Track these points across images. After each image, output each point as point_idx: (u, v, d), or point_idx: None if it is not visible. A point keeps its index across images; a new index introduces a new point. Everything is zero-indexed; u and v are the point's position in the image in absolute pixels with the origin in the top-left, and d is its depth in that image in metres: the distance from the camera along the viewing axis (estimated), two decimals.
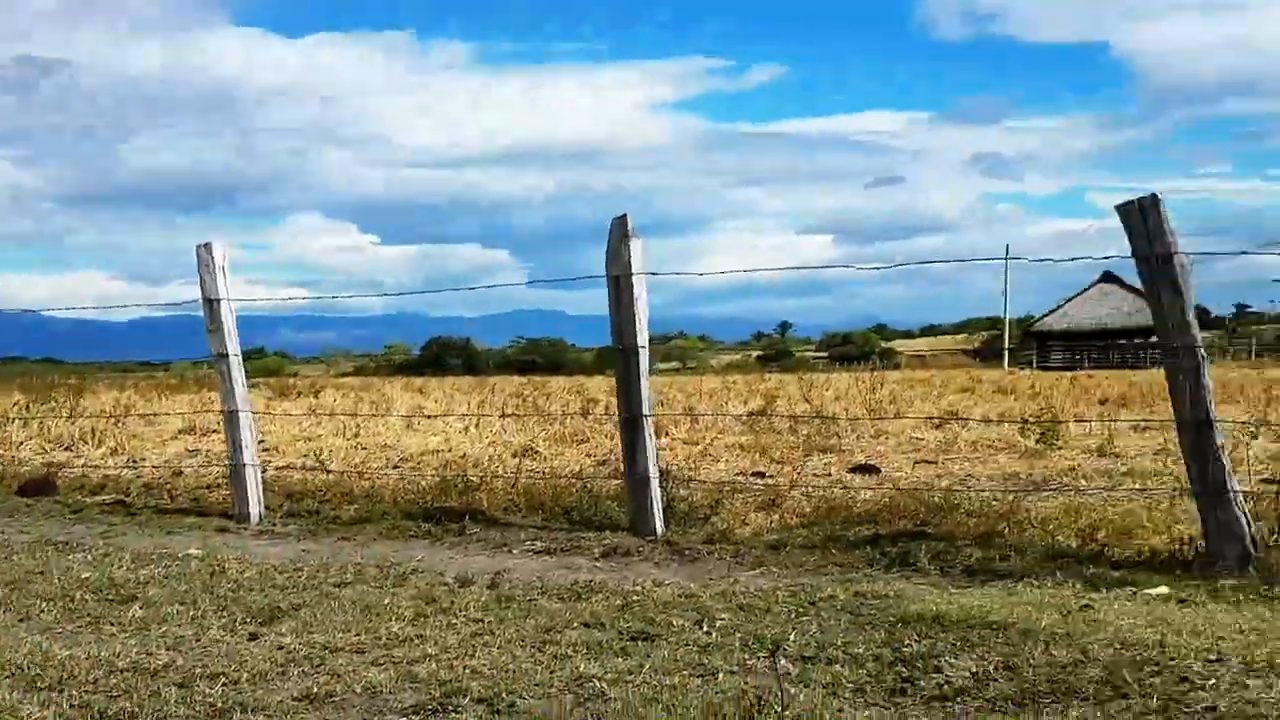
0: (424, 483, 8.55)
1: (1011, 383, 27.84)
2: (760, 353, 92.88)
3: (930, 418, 14.20)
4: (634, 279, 6.61)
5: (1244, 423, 11.36)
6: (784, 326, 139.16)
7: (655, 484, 6.77)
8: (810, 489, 8.05)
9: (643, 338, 6.74)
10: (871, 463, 10.34)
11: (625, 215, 6.61)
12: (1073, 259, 7.04)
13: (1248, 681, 3.62)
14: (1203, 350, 5.36)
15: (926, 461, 10.63)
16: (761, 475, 9.50)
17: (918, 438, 12.77)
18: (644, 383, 6.76)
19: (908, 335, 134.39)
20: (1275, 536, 5.72)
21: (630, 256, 6.58)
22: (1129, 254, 5.50)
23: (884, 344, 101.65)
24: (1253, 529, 5.48)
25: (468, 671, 4.08)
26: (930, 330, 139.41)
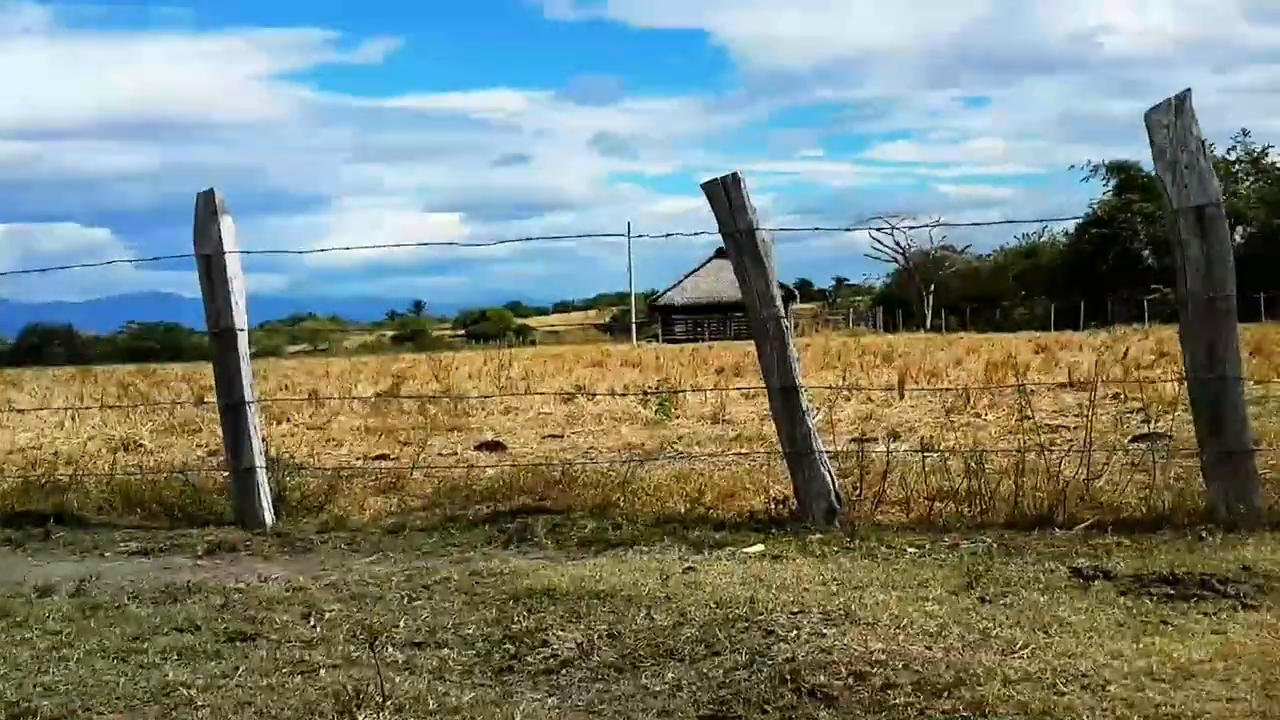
0: (4, 485, 7.72)
1: (638, 355, 28.94)
2: (395, 333, 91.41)
3: (557, 393, 14.43)
4: (226, 258, 6.22)
5: (835, 388, 12.35)
6: (418, 305, 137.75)
7: (262, 473, 6.43)
8: (433, 469, 7.96)
9: (240, 319, 6.37)
10: (499, 439, 10.40)
11: (211, 190, 6.20)
12: (666, 235, 7.31)
13: (824, 630, 3.88)
14: (786, 321, 5.72)
15: (554, 436, 10.81)
16: (385, 458, 9.32)
17: (546, 412, 12.99)
18: (245, 367, 6.41)
19: (542, 312, 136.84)
20: (859, 492, 6.21)
21: (220, 234, 6.19)
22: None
23: (520, 321, 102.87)
24: (837, 486, 5.92)
25: (39, 689, 3.69)
26: (564, 306, 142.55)
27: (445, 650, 3.97)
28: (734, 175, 5.61)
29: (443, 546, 5.83)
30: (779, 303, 5.69)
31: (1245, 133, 57.19)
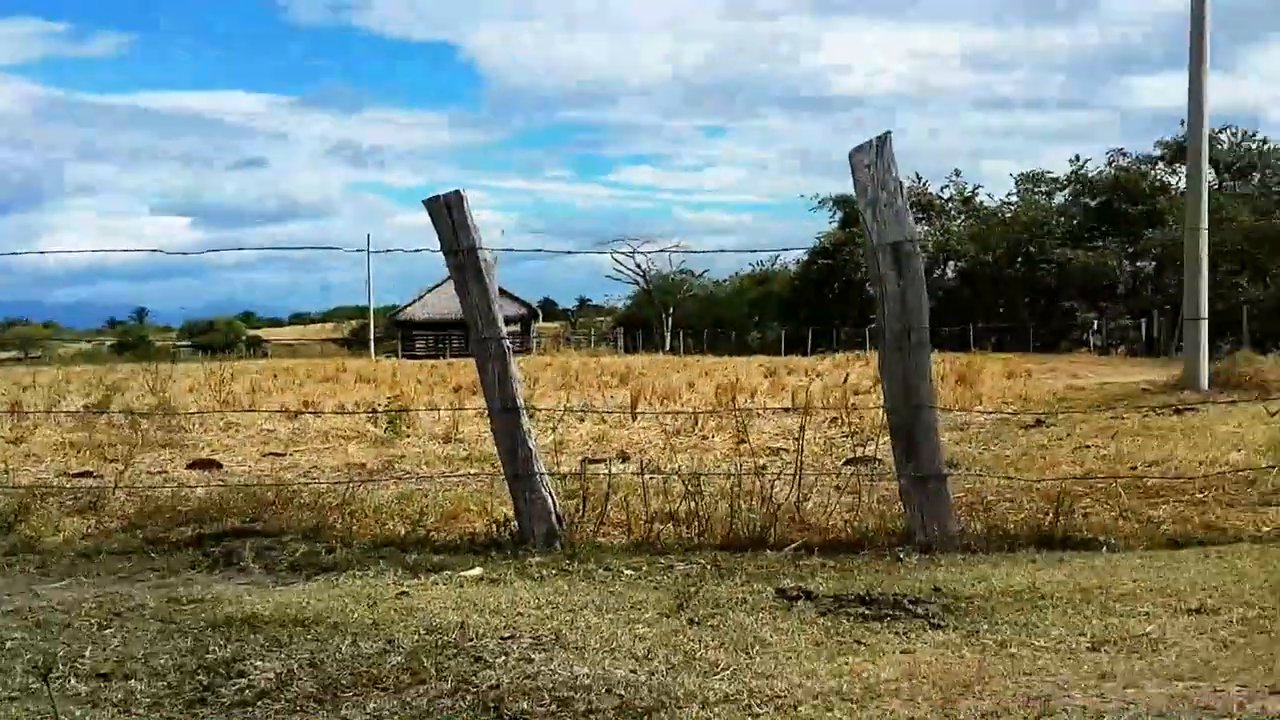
0: None
1: (375, 371, 28.32)
2: (115, 341, 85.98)
3: (281, 410, 13.90)
4: None
5: (567, 409, 12.43)
6: (140, 313, 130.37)
7: None
8: (139, 488, 7.47)
9: None
10: (214, 457, 9.90)
11: None
12: (416, 250, 7.09)
13: (533, 655, 3.85)
14: (507, 341, 5.69)
15: (275, 454, 10.39)
16: (88, 475, 8.69)
17: (270, 429, 12.48)
18: None
19: (276, 323, 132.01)
20: (581, 514, 6.23)
21: None
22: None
23: (251, 332, 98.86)
24: (559, 508, 5.91)
25: None
26: (300, 318, 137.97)
27: (133, 682, 3.71)
28: (457, 193, 5.54)
29: (141, 571, 5.48)
30: (501, 323, 5.65)
31: (957, 173, 61.64)
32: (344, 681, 3.69)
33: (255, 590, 5.01)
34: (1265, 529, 5.98)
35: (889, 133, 5.43)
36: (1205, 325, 16.94)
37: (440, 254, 5.71)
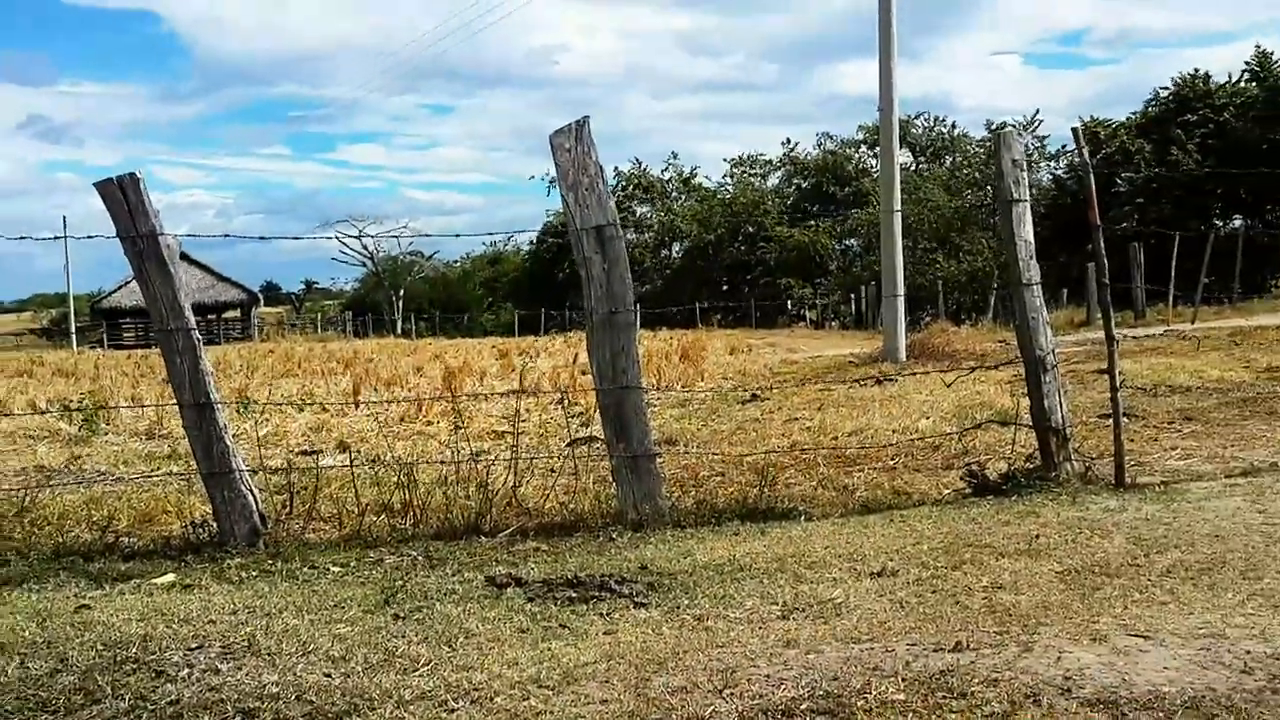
0: None
1: (75, 364, 26.45)
2: None
3: None
4: None
5: (287, 402, 11.94)
6: None
7: None
8: None
9: None
10: None
11: None
12: (87, 236, 6.55)
13: (220, 666, 3.63)
14: (197, 333, 5.37)
15: None
16: None
17: None
18: None
19: None
20: (287, 510, 5.98)
21: None
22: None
23: None
24: (261, 505, 5.65)
25: None
26: None
27: None
28: (132, 175, 5.17)
29: None
30: (188, 313, 5.32)
31: (674, 155, 63.18)
32: (9, 707, 3.38)
33: None
34: (945, 492, 6.40)
35: (587, 117, 5.44)
36: (901, 301, 18.03)
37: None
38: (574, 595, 4.44)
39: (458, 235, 63.26)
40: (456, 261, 76.50)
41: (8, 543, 5.65)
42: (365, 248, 71.59)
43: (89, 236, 6.88)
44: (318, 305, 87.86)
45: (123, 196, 5.15)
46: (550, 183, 64.23)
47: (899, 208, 18.62)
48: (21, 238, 6.42)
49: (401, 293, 70.00)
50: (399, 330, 59.70)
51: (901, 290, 18.07)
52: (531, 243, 65.35)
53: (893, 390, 12.11)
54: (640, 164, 60.74)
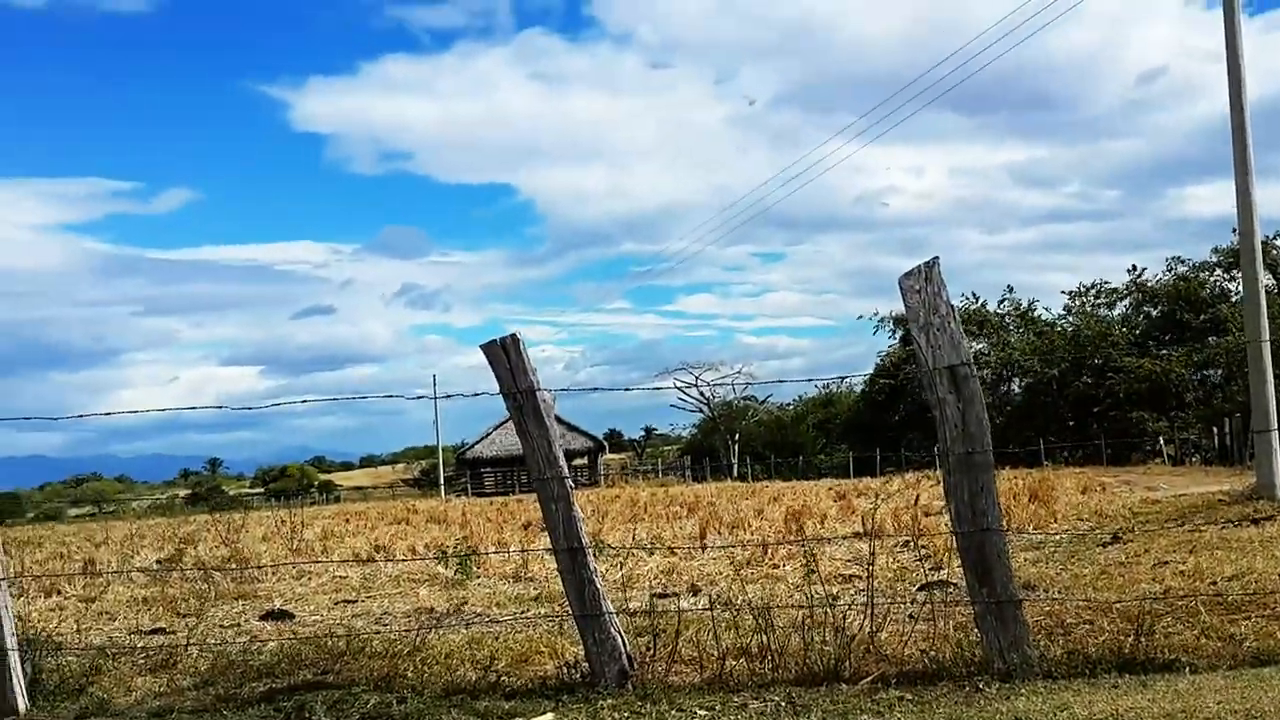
0: None
1: (445, 511, 28.42)
2: (188, 492, 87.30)
3: (351, 558, 13.98)
4: None
5: (635, 545, 12.34)
6: (214, 463, 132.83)
7: (14, 656, 5.93)
8: (210, 644, 7.52)
9: None
10: (286, 608, 9.94)
11: None
12: (474, 395, 7.11)
13: None
14: (569, 480, 5.71)
15: (348, 601, 10.42)
16: (161, 631, 8.77)
17: (342, 576, 12.52)
18: None
19: (347, 466, 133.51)
20: (652, 652, 6.16)
21: None
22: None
23: (323, 476, 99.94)
24: (628, 647, 5.85)
25: None
26: (370, 461, 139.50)
27: None
28: (513, 336, 5.64)
29: None
30: (562, 461, 5.68)
31: (1010, 289, 61.17)
32: None
33: None
34: None
35: (936, 258, 5.47)
36: (1276, 435, 16.52)
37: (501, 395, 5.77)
38: None
39: (780, 381, 63.78)
40: (790, 404, 77.03)
41: (404, 681, 6.11)
42: (701, 394, 73.53)
43: (447, 396, 7.53)
44: (657, 450, 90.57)
45: (505, 356, 5.64)
46: (879, 323, 64.09)
47: (1267, 336, 17.20)
48: (389, 396, 7.15)
49: (737, 436, 71.04)
50: (735, 473, 60.44)
51: (1275, 424, 16.57)
52: (864, 384, 64.93)
53: (1272, 530, 11.05)
54: (977, 298, 59.43)
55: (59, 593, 11.69)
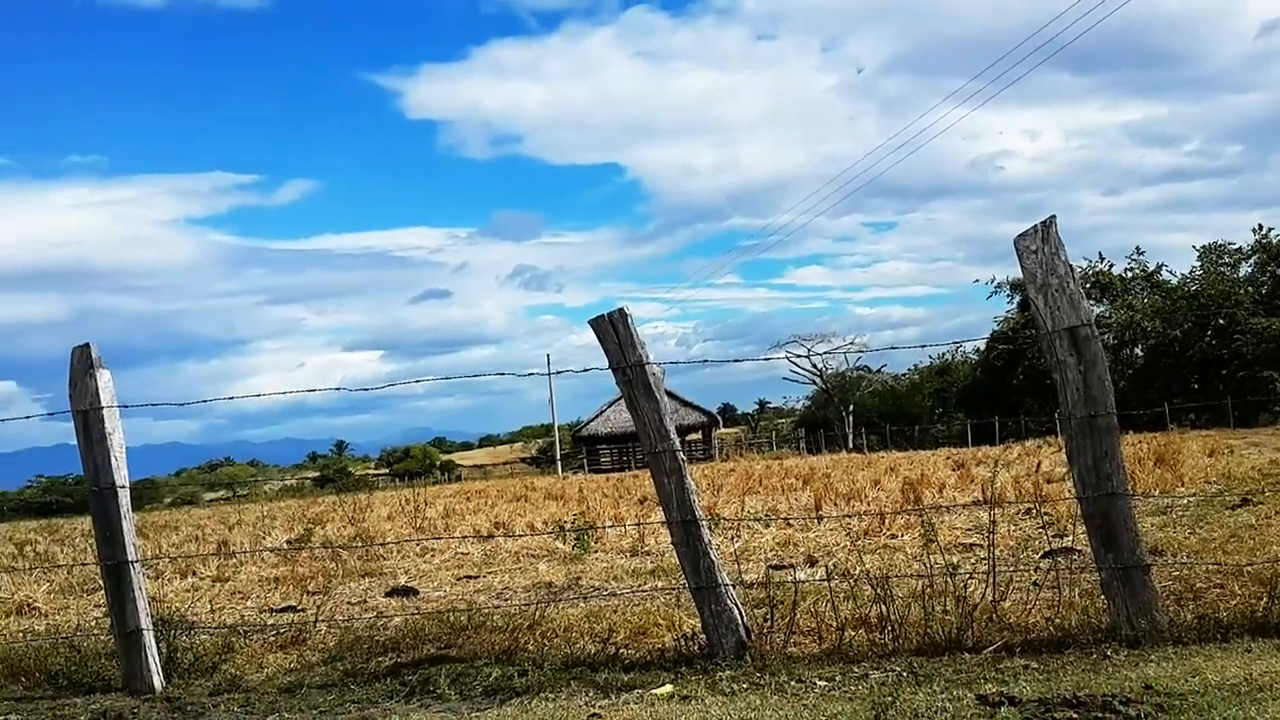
0: None
1: (562, 488, 28.74)
2: (317, 474, 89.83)
3: (471, 534, 14.22)
4: (104, 413, 6.06)
5: (749, 517, 12.30)
6: (340, 445, 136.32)
7: (149, 635, 6.17)
8: (338, 621, 7.73)
9: (120, 476, 6.14)
10: (411, 584, 10.17)
11: (88, 344, 6.09)
12: (584, 370, 7.17)
13: None
14: (681, 454, 5.70)
15: (469, 576, 10.61)
16: (292, 609, 9.05)
17: (464, 552, 12.77)
18: (127, 525, 6.16)
19: (467, 446, 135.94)
20: (770, 623, 6.13)
21: (98, 388, 6.04)
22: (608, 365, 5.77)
23: (444, 457, 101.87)
24: (745, 619, 5.84)
25: None
26: (489, 440, 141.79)
27: None
28: (620, 311, 5.65)
29: (341, 704, 5.62)
30: (674, 434, 5.68)
31: (1140, 250, 59.19)
32: None
33: (449, 717, 5.09)
34: None
35: (1053, 217, 5.30)
36: None
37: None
38: (1074, 716, 4.21)
39: (892, 349, 62.64)
40: (904, 374, 75.92)
41: (525, 654, 6.20)
42: (814, 366, 72.94)
43: (558, 372, 7.58)
44: (771, 424, 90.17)
45: (613, 331, 5.65)
46: (995, 288, 62.70)
47: None
48: (500, 374, 7.20)
49: (851, 407, 70.32)
50: (850, 445, 59.85)
51: None
52: (979, 350, 63.63)
53: None
54: (1101, 259, 57.68)
55: (194, 574, 12.14)
